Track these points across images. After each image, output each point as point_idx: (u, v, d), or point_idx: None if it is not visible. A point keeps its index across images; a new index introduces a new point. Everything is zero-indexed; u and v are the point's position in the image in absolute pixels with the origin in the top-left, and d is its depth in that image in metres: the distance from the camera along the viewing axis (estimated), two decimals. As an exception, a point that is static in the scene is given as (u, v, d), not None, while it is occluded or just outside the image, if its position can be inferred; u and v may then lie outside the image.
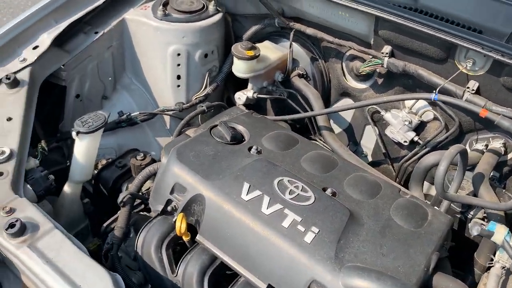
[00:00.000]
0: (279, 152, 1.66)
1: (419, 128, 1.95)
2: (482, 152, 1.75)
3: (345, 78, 2.15)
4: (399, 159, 2.04)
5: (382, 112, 1.97)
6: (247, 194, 1.43)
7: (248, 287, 1.39)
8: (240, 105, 2.14)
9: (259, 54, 1.97)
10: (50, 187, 1.55)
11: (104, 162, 1.99)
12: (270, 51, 2.12)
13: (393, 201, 1.53)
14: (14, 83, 1.66)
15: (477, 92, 1.67)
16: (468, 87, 1.66)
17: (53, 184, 1.56)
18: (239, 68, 1.98)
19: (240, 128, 1.76)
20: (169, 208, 1.53)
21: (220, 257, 1.42)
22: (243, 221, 1.39)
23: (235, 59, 1.97)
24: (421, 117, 1.90)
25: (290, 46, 2.10)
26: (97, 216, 1.86)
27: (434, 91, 1.63)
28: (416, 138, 1.93)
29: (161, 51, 2.01)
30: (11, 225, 1.21)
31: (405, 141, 1.94)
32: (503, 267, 1.31)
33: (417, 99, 1.82)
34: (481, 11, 1.66)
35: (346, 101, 2.22)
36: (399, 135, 1.94)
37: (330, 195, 1.49)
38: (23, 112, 1.59)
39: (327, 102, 2.28)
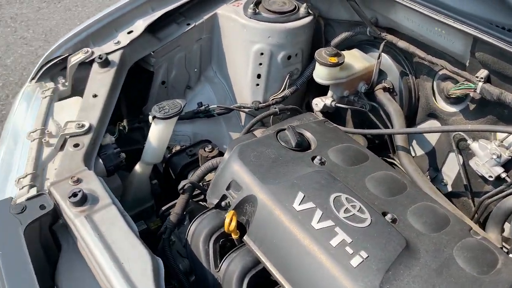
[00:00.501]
0: (344, 166, 1.59)
1: (509, 164, 1.75)
2: None
3: (435, 99, 2.00)
4: (481, 195, 1.85)
5: (469, 141, 1.80)
6: (299, 204, 1.39)
7: (286, 298, 1.35)
8: (317, 111, 2.09)
9: (343, 62, 1.91)
10: (119, 164, 1.65)
11: (178, 148, 2.08)
12: (357, 60, 2.04)
13: (459, 240, 1.39)
14: (105, 63, 1.79)
15: None
16: None
17: (123, 161, 1.66)
18: (320, 74, 1.93)
19: (308, 135, 1.71)
20: (223, 204, 1.54)
21: (263, 261, 1.40)
22: (291, 231, 1.35)
23: (317, 64, 1.93)
24: (513, 152, 1.71)
25: (379, 57, 2.01)
26: (163, 198, 1.95)
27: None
28: (503, 175, 1.73)
29: (245, 49, 2.04)
30: (74, 194, 1.31)
31: (490, 176, 1.76)
32: None
33: (510, 133, 1.63)
34: None
35: (433, 123, 2.06)
36: (484, 169, 1.76)
37: (390, 221, 1.39)
38: (108, 91, 1.71)
39: (412, 122, 2.15)
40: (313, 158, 1.59)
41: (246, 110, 2.14)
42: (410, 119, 2.15)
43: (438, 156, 2.06)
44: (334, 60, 1.88)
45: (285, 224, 1.37)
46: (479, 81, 1.66)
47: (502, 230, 1.79)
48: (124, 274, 1.18)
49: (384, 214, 1.41)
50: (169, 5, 2.00)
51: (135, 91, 2.11)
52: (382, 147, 2.19)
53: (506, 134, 1.69)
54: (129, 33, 1.90)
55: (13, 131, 1.66)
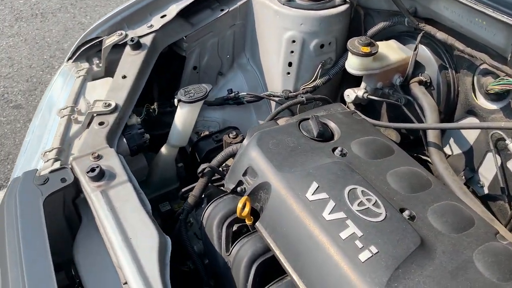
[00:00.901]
0: (366, 160, 1.54)
1: (551, 168, 1.63)
2: None
3: (474, 95, 1.88)
4: (517, 199, 1.73)
5: (508, 140, 1.68)
6: (312, 194, 1.36)
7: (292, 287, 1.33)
8: (349, 103, 2.03)
9: (376, 52, 1.84)
10: (143, 145, 1.68)
11: (206, 133, 2.10)
12: (393, 51, 1.96)
13: (482, 243, 1.30)
14: (137, 46, 1.83)
15: None
16: None
17: (147, 142, 1.69)
18: (352, 64, 1.88)
19: (332, 125, 1.67)
20: (238, 189, 1.54)
21: (272, 249, 1.39)
22: (301, 221, 1.33)
23: (349, 54, 1.87)
24: (555, 155, 1.58)
25: (415, 49, 1.91)
26: (188, 181, 1.98)
27: None
28: None
29: (277, 36, 2.01)
30: (92, 170, 1.35)
31: (529, 180, 1.64)
32: None
33: None
34: None
35: (471, 121, 1.94)
36: (523, 172, 1.64)
37: (407, 217, 1.33)
38: (137, 73, 1.74)
39: (450, 118, 2.04)
40: (334, 149, 1.55)
41: (276, 98, 2.12)
42: (449, 116, 2.04)
43: (476, 155, 1.94)
44: (366, 49, 1.82)
45: (296, 213, 1.34)
46: (521, 76, 1.55)
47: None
48: (131, 249, 1.21)
49: (402, 210, 1.35)
50: (203, -9, 2.02)
51: (167, 75, 2.14)
52: (417, 143, 2.10)
53: (548, 135, 1.56)
54: (162, 17, 1.93)
55: (47, 107, 1.74)
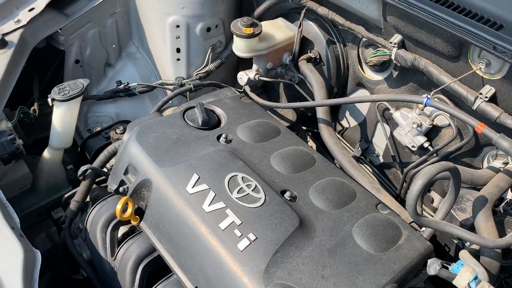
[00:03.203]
0: (252, 144, 1.51)
1: (432, 133, 1.68)
2: (498, 171, 1.47)
3: (361, 67, 1.91)
4: (408, 165, 1.79)
5: (392, 110, 1.72)
6: (193, 187, 1.32)
7: (178, 286, 1.29)
8: (244, 86, 1.99)
9: (260, 32, 1.80)
10: (15, 152, 1.55)
11: (98, 129, 1.98)
12: (279, 29, 1.93)
13: (362, 216, 1.33)
14: (2, 44, 1.67)
15: (493, 100, 1.37)
16: (481, 93, 1.37)
17: (19, 148, 1.57)
18: (238, 46, 1.83)
19: (219, 111, 1.63)
20: (121, 189, 1.46)
21: (157, 248, 1.34)
22: (182, 216, 1.28)
23: (234, 37, 1.82)
24: (433, 120, 1.63)
25: (300, 26, 1.90)
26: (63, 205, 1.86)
27: (426, 94, 1.37)
28: (426, 144, 1.66)
29: (160, 22, 1.92)
30: None
31: (413, 146, 1.69)
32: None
33: (407, 101, 1.56)
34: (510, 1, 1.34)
35: (362, 93, 1.98)
36: (407, 139, 1.69)
37: (288, 199, 1.33)
38: (3, 74, 1.59)
39: (343, 91, 2.06)
40: (219, 137, 1.51)
41: (170, 87, 2.03)
42: (342, 89, 2.06)
43: (369, 127, 1.98)
44: (249, 31, 1.77)
45: (177, 208, 1.30)
46: (393, 47, 1.58)
47: (431, 201, 1.74)
48: (-10, 270, 1.10)
49: (283, 192, 1.35)
50: (76, -22, 1.87)
51: (49, 72, 1.99)
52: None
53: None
54: (30, 10, 1.77)
55: None
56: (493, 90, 1.36)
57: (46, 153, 1.74)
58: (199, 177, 1.34)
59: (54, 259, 1.64)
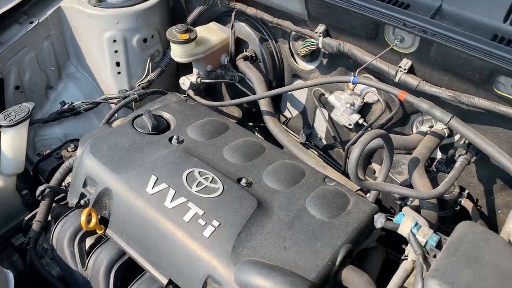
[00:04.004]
0: (203, 141, 1.60)
1: (365, 109, 1.85)
2: (426, 134, 1.65)
3: (294, 59, 2.05)
4: (347, 142, 1.94)
5: (327, 95, 1.87)
6: (152, 188, 1.39)
7: (152, 281, 1.36)
8: (188, 90, 2.07)
9: (195, 37, 1.89)
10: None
11: (48, 151, 1.99)
12: (214, 33, 2.04)
13: (312, 190, 1.45)
14: None
15: (411, 71, 1.55)
16: (400, 66, 1.54)
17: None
18: (176, 52, 1.91)
19: (167, 116, 1.71)
20: (82, 202, 1.50)
21: (126, 251, 1.39)
22: (146, 216, 1.35)
23: (171, 44, 1.91)
24: (363, 98, 1.79)
25: (232, 27, 2.01)
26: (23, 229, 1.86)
27: (353, 73, 1.53)
28: (361, 121, 1.82)
29: (97, 38, 1.97)
30: None
31: (349, 124, 1.84)
32: (413, 261, 1.22)
33: (338, 82, 1.72)
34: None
35: (298, 83, 2.12)
36: (344, 118, 1.84)
37: (244, 185, 1.43)
38: None
39: (282, 84, 2.20)
40: (170, 139, 1.59)
41: (114, 100, 2.08)
42: (280, 82, 2.19)
43: (309, 113, 2.13)
44: (185, 36, 1.86)
45: (140, 210, 1.36)
46: (319, 36, 1.72)
47: (373, 172, 1.90)
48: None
49: (239, 180, 1.45)
50: (5, 5, 1.88)
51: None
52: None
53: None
54: (-39, 41, 1.77)
55: None
56: (410, 63, 1.53)
57: (-2, 181, 1.74)
58: (157, 178, 1.41)
59: (22, 285, 1.64)
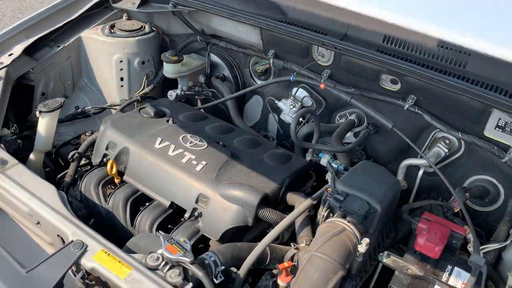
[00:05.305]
0: (192, 123, 2.28)
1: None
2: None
3: (253, 79, 2.81)
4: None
5: (276, 101, 2.62)
6: (159, 144, 2.03)
7: (158, 206, 1.96)
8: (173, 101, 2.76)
9: (182, 59, 2.62)
10: (18, 148, 2.12)
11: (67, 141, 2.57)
12: (194, 59, 2.78)
13: (267, 151, 2.15)
14: (-6, 78, 2.26)
15: (331, 77, 2.34)
16: (323, 74, 2.33)
17: (20, 145, 2.14)
18: (168, 70, 2.62)
19: (164, 109, 2.38)
20: (104, 160, 2.10)
21: (139, 188, 2.00)
22: (155, 162, 1.98)
23: (164, 63, 2.62)
24: (302, 102, 2.55)
25: (208, 56, 2.77)
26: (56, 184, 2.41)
27: (292, 74, 2.30)
28: (301, 119, 2.57)
29: (107, 59, 2.66)
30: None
31: (293, 121, 2.58)
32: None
33: (280, 81, 2.47)
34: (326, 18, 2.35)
35: (258, 98, 2.86)
36: (289, 117, 2.58)
37: (221, 145, 2.10)
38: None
39: (243, 99, 2.93)
40: (167, 121, 2.25)
41: (117, 107, 2.72)
42: (243, 99, 2.93)
43: (263, 120, 2.86)
44: (175, 58, 2.59)
45: (150, 158, 1.99)
46: (270, 58, 2.50)
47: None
48: (37, 197, 1.69)
49: (218, 142, 2.12)
50: (41, 32, 2.54)
51: (20, 104, 2.57)
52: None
53: (295, 91, 2.51)
54: (9, 55, 2.39)
55: None
56: (329, 72, 2.32)
57: (32, 156, 2.29)
58: (161, 139, 2.06)
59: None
